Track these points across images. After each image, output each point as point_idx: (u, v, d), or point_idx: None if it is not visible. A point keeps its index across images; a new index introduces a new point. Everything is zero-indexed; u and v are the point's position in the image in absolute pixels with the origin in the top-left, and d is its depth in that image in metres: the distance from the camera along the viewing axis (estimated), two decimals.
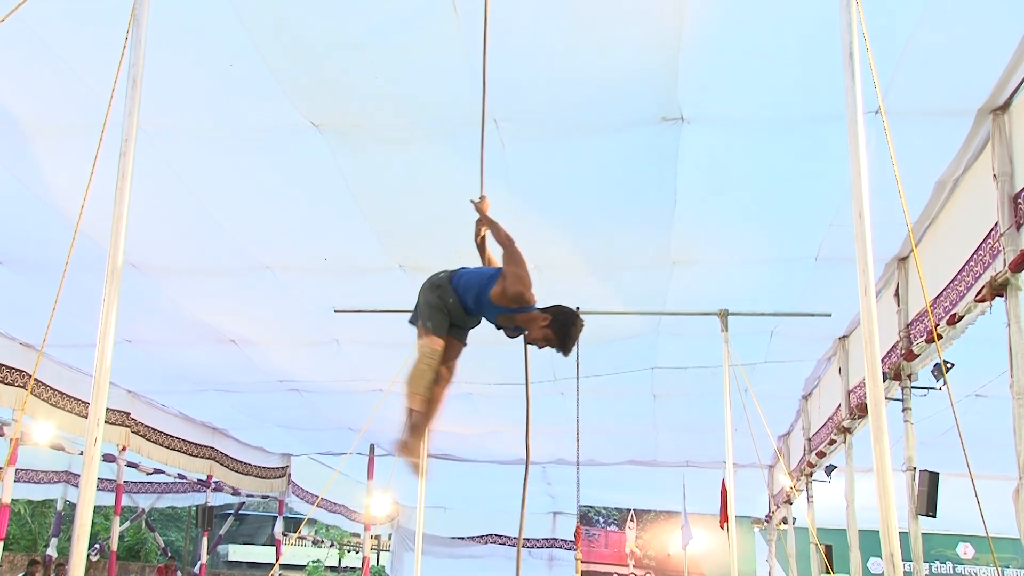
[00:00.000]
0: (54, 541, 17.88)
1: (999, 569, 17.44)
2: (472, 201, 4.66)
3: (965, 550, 18.78)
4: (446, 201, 6.90)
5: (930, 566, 18.28)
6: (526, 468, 4.74)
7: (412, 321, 4.45)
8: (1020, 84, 5.40)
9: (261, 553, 33.39)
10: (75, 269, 5.29)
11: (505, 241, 4.28)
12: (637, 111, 5.97)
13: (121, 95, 4.03)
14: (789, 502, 13.66)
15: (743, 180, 6.87)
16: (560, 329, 4.19)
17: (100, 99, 4.16)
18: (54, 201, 7.22)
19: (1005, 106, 5.61)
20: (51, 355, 11.26)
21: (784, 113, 5.95)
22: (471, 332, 4.60)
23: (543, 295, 4.45)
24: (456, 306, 4.36)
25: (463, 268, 4.49)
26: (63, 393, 11.67)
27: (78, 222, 4.26)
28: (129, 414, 13.43)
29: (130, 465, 14.52)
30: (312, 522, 25.12)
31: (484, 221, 4.58)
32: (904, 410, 7.63)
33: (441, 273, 4.49)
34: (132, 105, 4.05)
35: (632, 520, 19.99)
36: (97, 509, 18.97)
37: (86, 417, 3.93)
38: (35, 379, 11.01)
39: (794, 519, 13.80)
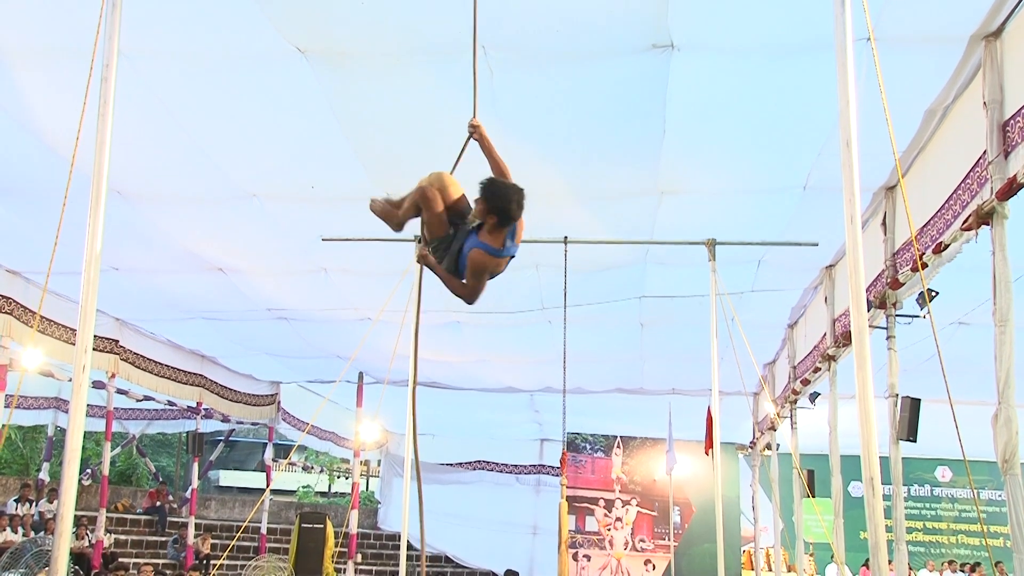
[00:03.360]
0: (46, 466, 18.09)
1: (975, 491, 17.87)
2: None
3: (943, 473, 19.23)
4: (434, 129, 6.83)
5: (909, 489, 18.73)
6: None
7: None
8: (1013, 10, 5.33)
9: (252, 479, 33.82)
10: (60, 196, 5.24)
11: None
12: (627, 38, 5.88)
13: (104, 19, 3.96)
14: (773, 428, 13.87)
15: (732, 109, 6.81)
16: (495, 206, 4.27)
17: (81, 23, 4.08)
18: (37, 127, 7.12)
19: (997, 32, 5.55)
20: (39, 282, 11.23)
21: (776, 40, 5.87)
22: None
23: (530, 225, 4.45)
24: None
25: None
26: (51, 320, 11.68)
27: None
28: (118, 341, 13.47)
29: (120, 392, 14.59)
30: (302, 448, 25.42)
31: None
32: (888, 338, 7.70)
33: None
34: (112, 30, 3.98)
35: (618, 447, 20.29)
36: (88, 435, 19.13)
37: (74, 344, 3.95)
38: (22, 306, 10.99)
39: (777, 445, 14.03)
